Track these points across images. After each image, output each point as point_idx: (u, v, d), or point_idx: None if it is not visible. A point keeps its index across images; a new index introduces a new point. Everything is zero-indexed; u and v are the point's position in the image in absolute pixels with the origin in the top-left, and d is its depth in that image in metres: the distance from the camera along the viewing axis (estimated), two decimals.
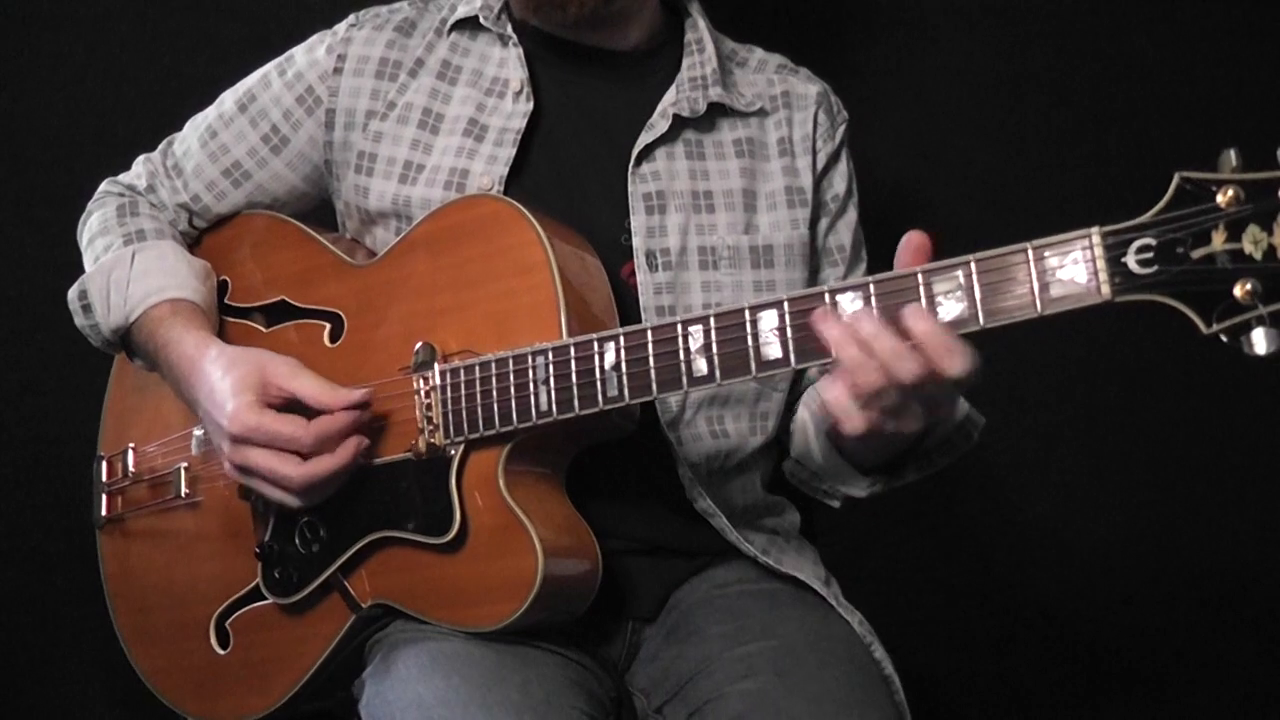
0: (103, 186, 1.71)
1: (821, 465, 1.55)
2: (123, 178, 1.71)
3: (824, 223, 1.64)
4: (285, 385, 1.41)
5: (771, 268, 1.57)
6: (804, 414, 1.59)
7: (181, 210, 1.67)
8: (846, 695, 1.37)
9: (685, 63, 1.60)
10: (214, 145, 1.64)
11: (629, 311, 1.46)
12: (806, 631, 1.45)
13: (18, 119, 2.13)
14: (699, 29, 1.62)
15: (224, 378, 1.43)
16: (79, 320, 1.60)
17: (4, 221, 2.14)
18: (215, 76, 1.71)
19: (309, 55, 1.62)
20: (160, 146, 1.71)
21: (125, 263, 1.57)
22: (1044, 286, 1.10)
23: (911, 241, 1.18)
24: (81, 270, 1.63)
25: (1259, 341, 1.04)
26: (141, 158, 1.71)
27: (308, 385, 1.41)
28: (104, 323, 1.58)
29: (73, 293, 1.60)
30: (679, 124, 1.56)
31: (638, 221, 1.52)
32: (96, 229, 1.64)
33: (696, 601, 1.52)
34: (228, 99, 1.66)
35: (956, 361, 1.14)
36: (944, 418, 1.25)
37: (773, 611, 1.48)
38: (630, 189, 1.53)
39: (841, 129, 1.66)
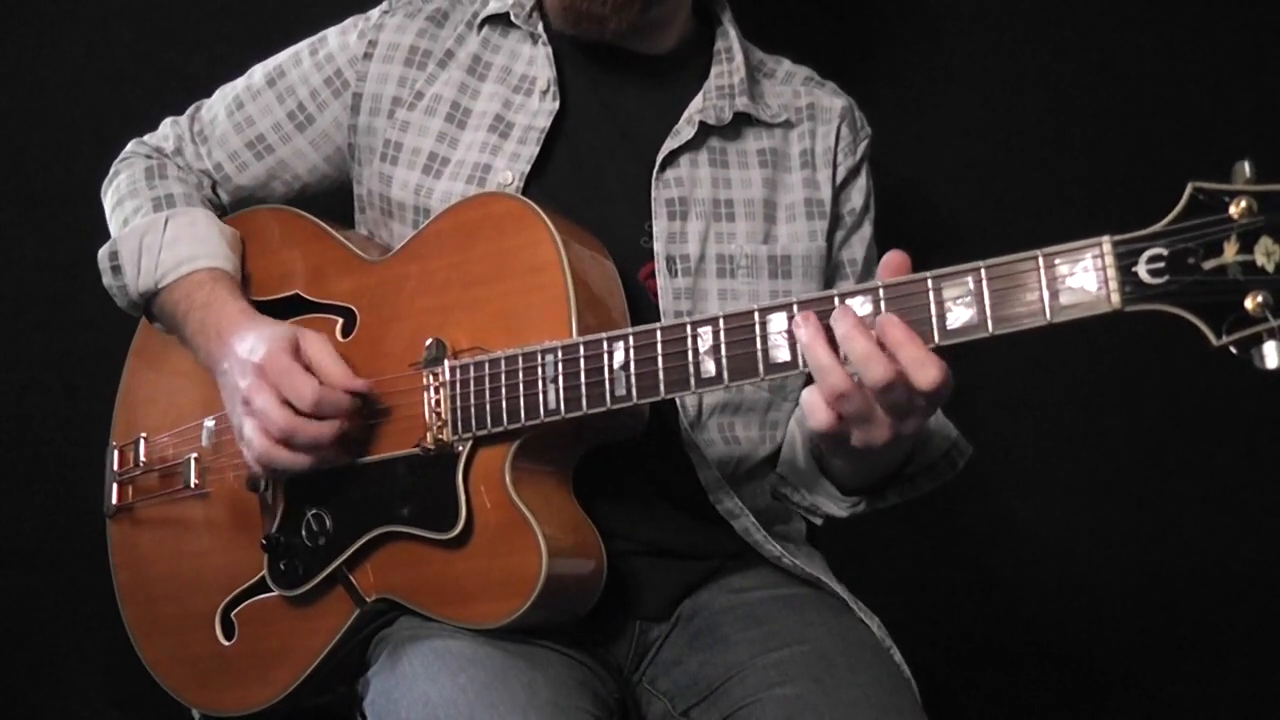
0: (130, 147, 1.73)
1: (805, 481, 1.56)
2: (150, 139, 1.73)
3: (839, 235, 1.64)
4: (307, 349, 1.43)
5: (789, 278, 1.58)
6: (794, 428, 1.60)
7: (205, 176, 1.69)
8: (883, 700, 1.37)
9: (714, 71, 1.61)
10: (240, 116, 1.66)
11: (647, 315, 1.47)
12: (835, 637, 1.46)
13: (18, 119, 2.14)
14: (729, 37, 1.63)
15: (263, 329, 1.46)
16: (107, 280, 1.62)
17: (4, 221, 2.15)
18: (215, 76, 1.72)
19: (341, 38, 1.63)
20: (188, 111, 1.73)
21: (158, 228, 1.59)
22: (1054, 294, 1.10)
23: (890, 262, 1.19)
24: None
25: (1270, 354, 1.03)
26: (169, 120, 1.73)
27: (324, 357, 1.43)
28: (132, 285, 1.59)
29: (103, 252, 1.62)
30: (704, 131, 1.57)
31: (659, 227, 1.53)
32: (125, 190, 1.65)
33: (719, 608, 1.52)
34: (257, 72, 1.68)
35: (929, 373, 1.15)
36: (913, 434, 1.24)
37: (799, 617, 1.49)
38: (653, 194, 1.53)
39: (863, 144, 1.67)
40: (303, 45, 1.66)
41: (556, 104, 1.56)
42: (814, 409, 1.20)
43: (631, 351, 1.30)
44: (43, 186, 2.13)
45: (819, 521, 1.58)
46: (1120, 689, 2.17)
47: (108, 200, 1.69)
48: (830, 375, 1.18)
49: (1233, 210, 1.04)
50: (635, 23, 1.53)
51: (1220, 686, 2.15)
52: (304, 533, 1.47)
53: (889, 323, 1.15)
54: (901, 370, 1.15)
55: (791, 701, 1.37)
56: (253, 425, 1.42)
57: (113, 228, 1.65)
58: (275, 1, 2.10)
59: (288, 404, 1.40)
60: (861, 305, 1.19)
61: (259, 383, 1.41)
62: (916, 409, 1.20)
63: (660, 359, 1.28)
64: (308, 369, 1.42)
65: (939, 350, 1.17)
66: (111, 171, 1.71)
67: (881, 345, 1.15)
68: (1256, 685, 2.14)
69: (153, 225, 1.59)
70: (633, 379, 1.29)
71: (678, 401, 1.49)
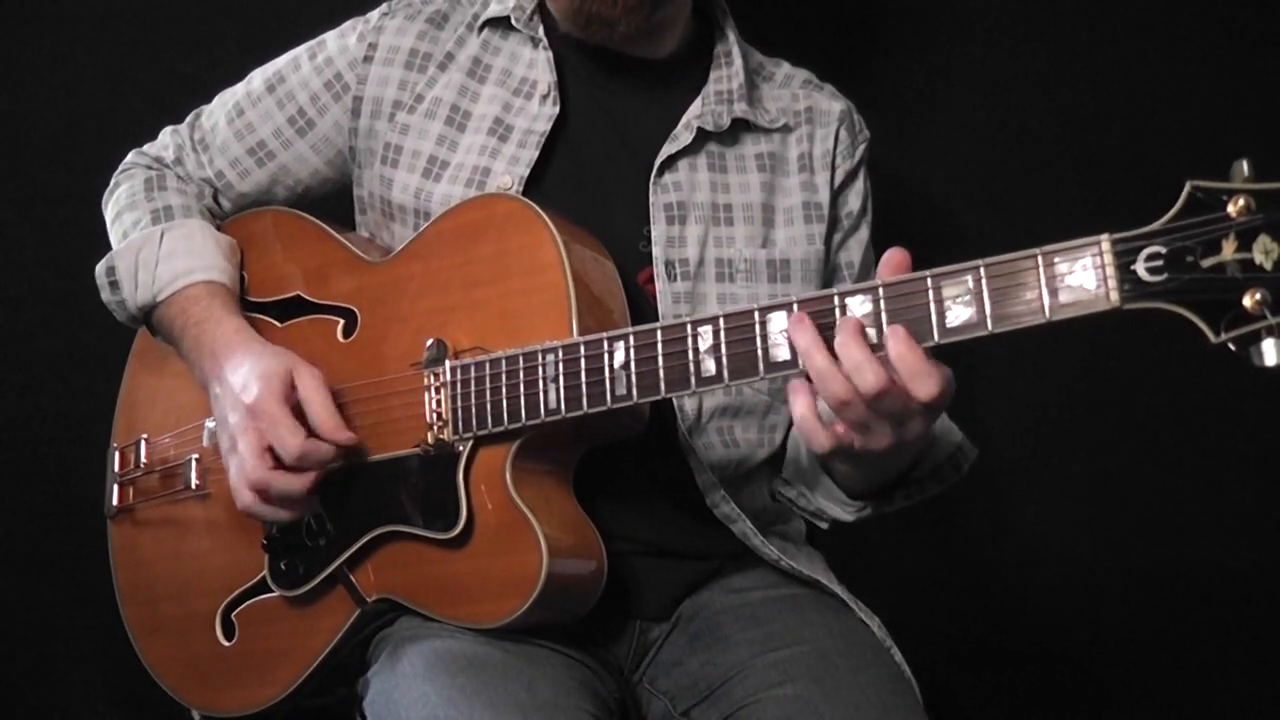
0: (130, 157, 1.73)
1: (808, 482, 1.56)
2: (149, 149, 1.72)
3: (836, 238, 1.65)
4: (302, 390, 1.43)
5: (788, 281, 1.58)
6: (795, 433, 1.59)
7: (206, 184, 1.69)
8: (883, 700, 1.38)
9: (713, 75, 1.61)
10: (240, 123, 1.66)
11: (646, 319, 1.46)
12: (835, 637, 1.46)
13: (18, 119, 2.14)
14: (729, 41, 1.63)
15: (258, 361, 1.45)
16: (105, 295, 1.62)
17: (4, 221, 2.15)
18: (215, 77, 1.72)
19: (340, 41, 1.63)
20: (188, 119, 1.72)
21: (154, 242, 1.58)
22: (1053, 292, 1.11)
23: (891, 260, 1.20)
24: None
25: (1269, 352, 1.04)
26: (169, 129, 1.73)
27: (317, 402, 1.43)
28: (130, 300, 1.59)
29: (100, 268, 1.62)
30: (702, 136, 1.57)
31: (658, 231, 1.53)
32: (124, 203, 1.65)
33: (720, 609, 1.52)
34: (256, 78, 1.67)
35: (927, 385, 1.15)
36: (916, 440, 1.24)
37: (799, 617, 1.49)
38: (651, 199, 1.53)
39: (862, 148, 1.67)
40: (301, 50, 1.66)
41: (557, 108, 1.56)
42: (812, 434, 1.21)
43: (632, 351, 1.30)
44: (43, 186, 2.13)
45: (824, 525, 1.59)
46: (1120, 688, 2.17)
47: (108, 213, 1.68)
48: (830, 382, 1.18)
49: (1231, 209, 1.04)
50: (643, 25, 1.53)
51: (1221, 686, 2.15)
52: (304, 533, 1.48)
53: (893, 333, 1.15)
54: (896, 379, 1.16)
55: (792, 701, 1.37)
56: (235, 467, 1.43)
57: (113, 241, 1.65)
58: (276, 2, 2.11)
59: (269, 451, 1.41)
60: (861, 304, 1.19)
61: (246, 424, 1.42)
62: (914, 415, 1.20)
63: (661, 358, 1.28)
64: (298, 408, 1.42)
65: (938, 350, 1.17)
66: (112, 183, 1.71)
67: (880, 354, 1.16)
68: (1257, 685, 2.14)
69: (148, 239, 1.59)
70: (633, 378, 1.29)
71: (675, 405, 1.49)
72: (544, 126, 1.55)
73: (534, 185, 1.53)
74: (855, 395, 1.17)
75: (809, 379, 1.20)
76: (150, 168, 1.70)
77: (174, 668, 1.60)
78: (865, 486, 1.48)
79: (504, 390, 1.36)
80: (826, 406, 1.21)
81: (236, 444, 1.42)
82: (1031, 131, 2.15)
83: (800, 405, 1.21)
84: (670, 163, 1.55)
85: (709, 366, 1.26)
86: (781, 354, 1.23)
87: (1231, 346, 1.05)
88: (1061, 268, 1.10)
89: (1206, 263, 1.05)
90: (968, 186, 2.16)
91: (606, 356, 1.31)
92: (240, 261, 1.63)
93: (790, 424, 1.61)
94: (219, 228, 1.66)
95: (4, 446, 2.15)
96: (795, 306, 1.22)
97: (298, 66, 1.64)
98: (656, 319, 1.49)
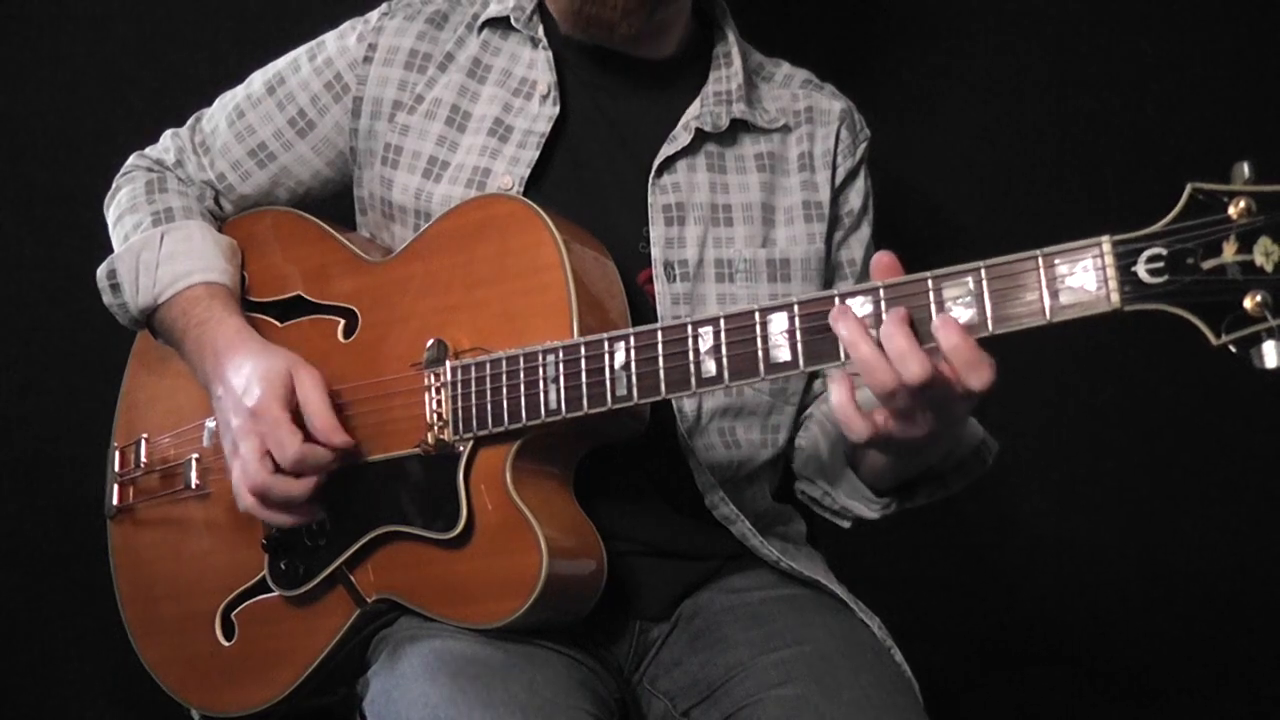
0: (131, 160, 1.72)
1: (831, 478, 1.56)
2: (150, 151, 1.72)
3: (837, 236, 1.65)
4: (300, 393, 1.43)
5: (788, 281, 1.58)
6: (816, 431, 1.59)
7: (207, 187, 1.68)
8: (884, 701, 1.37)
9: (712, 76, 1.61)
10: (241, 125, 1.66)
11: (646, 319, 1.46)
12: (835, 637, 1.46)
13: (18, 119, 2.14)
14: (728, 42, 1.63)
15: (259, 362, 1.45)
16: (107, 299, 1.62)
17: (4, 221, 2.15)
18: (215, 76, 1.73)
19: (340, 42, 1.63)
20: (189, 122, 1.72)
21: (154, 244, 1.58)
22: (1053, 294, 1.11)
23: (881, 263, 1.20)
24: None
25: (1269, 354, 1.04)
26: (169, 132, 1.72)
27: (316, 406, 1.43)
28: (132, 303, 1.59)
29: (101, 271, 1.62)
30: (701, 137, 1.57)
31: (656, 232, 1.53)
32: (125, 205, 1.65)
33: (720, 609, 1.52)
34: (257, 80, 1.67)
35: (980, 374, 1.15)
36: (953, 427, 1.25)
37: (800, 617, 1.49)
38: (650, 199, 1.54)
39: (862, 146, 1.67)
40: (301, 51, 1.66)
41: (557, 108, 1.56)
42: (850, 422, 1.20)
43: (632, 352, 1.30)
44: (43, 186, 2.13)
45: (847, 524, 1.58)
46: (1121, 688, 2.17)
47: (110, 216, 1.68)
48: (877, 372, 1.17)
49: (1232, 211, 1.04)
50: (642, 28, 1.53)
51: (1222, 686, 2.15)
52: (304, 533, 1.48)
53: (944, 324, 1.15)
54: (949, 370, 1.15)
55: (793, 702, 1.37)
56: (238, 470, 1.43)
57: (115, 244, 1.65)
58: (276, 2, 2.11)
59: (269, 455, 1.41)
60: (862, 305, 1.19)
61: (247, 428, 1.42)
62: (956, 401, 1.20)
63: (661, 359, 1.28)
64: (298, 410, 1.42)
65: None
66: (113, 186, 1.71)
67: (928, 346, 1.15)
68: (1258, 685, 2.14)
69: (149, 242, 1.59)
70: (634, 379, 1.29)
71: (674, 406, 1.49)
72: (544, 127, 1.55)
73: (533, 185, 1.54)
74: (901, 384, 1.17)
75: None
76: (151, 170, 1.70)
77: (174, 667, 1.60)
78: (892, 481, 1.47)
79: (504, 390, 1.36)
80: (864, 395, 1.21)
81: (239, 447, 1.43)
82: (1031, 131, 2.16)
83: (839, 392, 1.20)
84: (669, 164, 1.55)
85: (709, 367, 1.26)
86: (782, 355, 1.23)
87: (1232, 348, 1.05)
88: (1062, 269, 1.10)
89: (1207, 265, 1.05)
90: (968, 186, 2.16)
91: (607, 357, 1.31)
92: (241, 262, 1.63)
93: (795, 425, 1.61)
94: (219, 228, 1.66)
95: (4, 446, 2.16)
96: (796, 307, 1.22)
97: (297, 68, 1.64)
98: (656, 319, 1.49)
